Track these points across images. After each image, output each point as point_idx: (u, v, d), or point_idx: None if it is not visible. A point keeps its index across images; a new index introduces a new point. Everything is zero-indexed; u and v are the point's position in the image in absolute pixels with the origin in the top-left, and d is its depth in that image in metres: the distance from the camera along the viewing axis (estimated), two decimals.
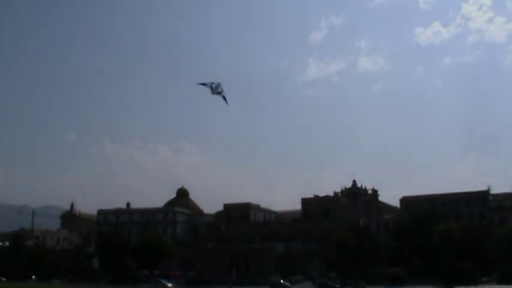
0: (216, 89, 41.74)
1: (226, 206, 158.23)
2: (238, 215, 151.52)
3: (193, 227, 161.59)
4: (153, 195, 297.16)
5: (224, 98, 42.13)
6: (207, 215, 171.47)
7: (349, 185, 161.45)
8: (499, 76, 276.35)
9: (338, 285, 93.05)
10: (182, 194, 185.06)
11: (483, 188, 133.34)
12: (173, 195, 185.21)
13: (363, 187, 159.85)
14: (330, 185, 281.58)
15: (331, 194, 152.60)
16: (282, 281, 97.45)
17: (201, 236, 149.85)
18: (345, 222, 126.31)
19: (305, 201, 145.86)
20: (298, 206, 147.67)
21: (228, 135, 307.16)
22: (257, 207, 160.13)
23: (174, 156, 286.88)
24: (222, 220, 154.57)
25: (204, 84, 41.94)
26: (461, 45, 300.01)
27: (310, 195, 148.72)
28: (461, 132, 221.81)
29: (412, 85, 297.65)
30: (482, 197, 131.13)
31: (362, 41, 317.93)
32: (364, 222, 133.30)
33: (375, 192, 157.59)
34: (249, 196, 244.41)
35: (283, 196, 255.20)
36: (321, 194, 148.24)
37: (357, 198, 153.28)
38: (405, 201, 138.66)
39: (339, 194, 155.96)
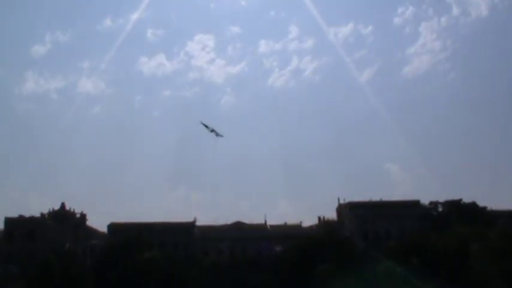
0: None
1: None
2: None
3: None
4: None
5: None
6: None
7: (57, 207, 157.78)
8: (214, 113, 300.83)
9: None
10: None
11: (189, 219, 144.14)
12: None
13: (72, 210, 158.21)
14: (37, 205, 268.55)
15: (38, 215, 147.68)
16: None
17: None
18: (51, 245, 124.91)
19: (9, 221, 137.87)
20: (0, 226, 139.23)
21: None
22: None
23: None
24: None
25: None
26: (182, 80, 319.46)
27: (14, 214, 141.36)
28: (172, 164, 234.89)
29: (130, 112, 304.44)
30: (187, 228, 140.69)
31: (85, 62, 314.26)
32: (71, 246, 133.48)
33: (83, 216, 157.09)
34: None
35: None
36: (27, 215, 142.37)
37: (65, 221, 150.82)
38: (113, 227, 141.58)
39: (46, 215, 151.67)
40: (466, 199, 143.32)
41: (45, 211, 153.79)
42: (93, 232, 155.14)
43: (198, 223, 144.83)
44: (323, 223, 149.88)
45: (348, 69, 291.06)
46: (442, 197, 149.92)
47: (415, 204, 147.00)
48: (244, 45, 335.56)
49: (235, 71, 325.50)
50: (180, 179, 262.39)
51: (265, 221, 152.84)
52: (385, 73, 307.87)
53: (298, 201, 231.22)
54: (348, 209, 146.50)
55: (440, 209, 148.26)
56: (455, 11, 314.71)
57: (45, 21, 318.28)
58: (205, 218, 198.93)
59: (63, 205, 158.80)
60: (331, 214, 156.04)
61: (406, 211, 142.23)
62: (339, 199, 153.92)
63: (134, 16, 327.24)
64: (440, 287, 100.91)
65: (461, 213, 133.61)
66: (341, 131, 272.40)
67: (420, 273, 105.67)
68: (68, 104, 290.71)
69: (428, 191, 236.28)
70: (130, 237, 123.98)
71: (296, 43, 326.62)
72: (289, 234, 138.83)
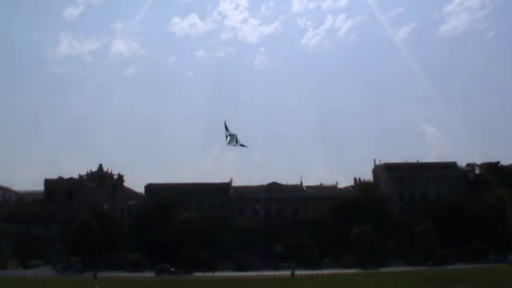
0: (232, 141, 43.72)
1: None
2: None
3: None
4: None
5: (242, 145, 44.06)
6: None
7: (95, 168, 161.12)
8: (247, 74, 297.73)
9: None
10: None
11: (226, 180, 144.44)
12: None
13: (109, 171, 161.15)
14: (75, 167, 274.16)
15: (77, 176, 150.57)
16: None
17: None
18: (89, 206, 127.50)
19: (48, 183, 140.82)
20: (40, 187, 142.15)
21: None
22: None
23: None
24: None
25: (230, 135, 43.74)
26: (215, 40, 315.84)
27: (54, 176, 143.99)
28: (207, 124, 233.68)
29: (164, 73, 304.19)
30: (224, 189, 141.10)
31: (118, 23, 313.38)
32: (109, 207, 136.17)
33: (120, 177, 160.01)
34: None
35: (24, 176, 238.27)
36: (66, 176, 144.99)
37: (103, 182, 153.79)
38: (150, 188, 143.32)
39: (85, 177, 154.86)
40: (504, 162, 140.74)
41: (83, 173, 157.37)
42: (130, 193, 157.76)
43: (234, 184, 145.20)
44: (359, 184, 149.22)
45: (383, 28, 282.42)
46: (478, 159, 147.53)
47: (451, 166, 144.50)
48: (278, 4, 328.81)
49: (268, 31, 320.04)
50: (214, 139, 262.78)
51: (301, 182, 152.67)
52: (421, 32, 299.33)
53: (333, 162, 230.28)
54: (384, 171, 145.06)
55: (477, 171, 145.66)
56: None
57: None
58: (240, 179, 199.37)
59: (100, 167, 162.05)
60: (367, 175, 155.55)
61: (442, 173, 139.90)
62: (374, 160, 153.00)
63: None
64: (477, 247, 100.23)
65: (498, 175, 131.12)
66: (376, 91, 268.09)
67: (457, 234, 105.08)
68: (102, 66, 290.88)
69: (465, 153, 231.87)
70: (167, 198, 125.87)
71: (330, 1, 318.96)
72: (325, 195, 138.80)
